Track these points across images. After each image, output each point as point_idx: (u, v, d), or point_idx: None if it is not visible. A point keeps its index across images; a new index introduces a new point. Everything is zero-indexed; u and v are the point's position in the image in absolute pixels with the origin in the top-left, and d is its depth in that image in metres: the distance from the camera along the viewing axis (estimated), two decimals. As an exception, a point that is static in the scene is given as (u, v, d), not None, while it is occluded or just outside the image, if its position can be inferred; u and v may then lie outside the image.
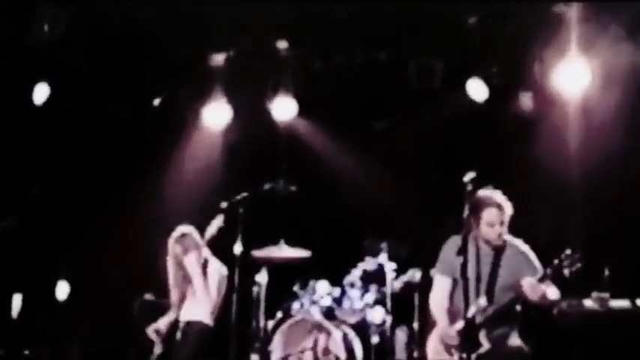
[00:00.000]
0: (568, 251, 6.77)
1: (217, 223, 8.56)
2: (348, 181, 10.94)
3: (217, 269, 8.64)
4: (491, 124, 10.21)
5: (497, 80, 10.12)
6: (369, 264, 10.02)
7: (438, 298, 7.31)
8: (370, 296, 9.89)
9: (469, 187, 6.96)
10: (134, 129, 11.78)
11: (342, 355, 9.42)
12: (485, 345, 6.91)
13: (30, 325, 11.39)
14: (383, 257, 9.92)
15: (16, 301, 11.42)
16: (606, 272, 8.66)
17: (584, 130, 9.83)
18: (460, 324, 6.95)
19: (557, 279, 6.89)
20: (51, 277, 11.74)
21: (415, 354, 9.44)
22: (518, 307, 7.13)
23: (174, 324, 8.49)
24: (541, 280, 6.85)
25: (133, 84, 11.25)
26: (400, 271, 9.86)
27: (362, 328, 9.78)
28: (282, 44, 10.41)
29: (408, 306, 9.65)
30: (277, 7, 9.47)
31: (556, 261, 6.78)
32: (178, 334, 8.42)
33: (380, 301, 9.85)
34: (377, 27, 9.83)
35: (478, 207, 7.10)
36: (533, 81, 10.03)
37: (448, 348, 7.09)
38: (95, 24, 10.07)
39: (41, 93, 10.74)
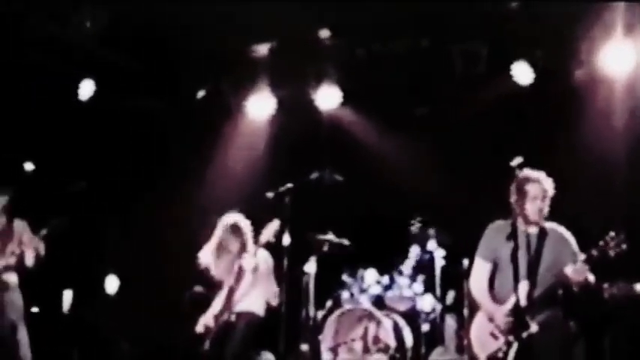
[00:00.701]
0: (612, 233, 6.72)
1: (274, 227, 8.53)
2: (394, 168, 10.90)
3: (265, 259, 8.65)
4: (537, 108, 10.13)
5: (542, 63, 10.03)
6: (417, 253, 10.00)
7: (479, 283, 7.27)
8: (419, 284, 9.87)
9: (516, 172, 6.92)
10: (179, 122, 11.83)
11: (392, 343, 9.40)
12: (533, 327, 6.86)
13: (80, 320, 11.48)
14: (431, 244, 9.90)
15: (67, 296, 11.52)
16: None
17: (631, 111, 9.73)
18: (506, 307, 6.93)
19: (601, 261, 6.82)
20: (100, 272, 11.83)
21: (465, 341, 9.40)
22: (561, 291, 7.03)
23: (223, 315, 8.52)
24: (586, 261, 6.79)
25: (176, 77, 11.30)
26: (448, 258, 9.83)
27: (412, 316, 9.76)
28: (325, 33, 10.40)
29: (458, 293, 9.62)
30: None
31: (601, 243, 6.72)
32: (228, 325, 8.45)
33: (429, 289, 9.83)
34: (419, 13, 9.79)
35: (522, 183, 7.05)
36: (579, 63, 9.94)
37: (493, 332, 7.06)
38: (136, 19, 10.10)
39: (87, 89, 10.82)
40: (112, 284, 11.88)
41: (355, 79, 10.90)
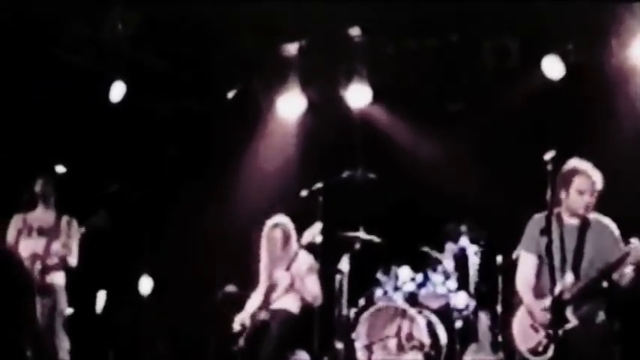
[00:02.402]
0: None
1: (316, 229, 8.56)
2: (426, 165, 10.87)
3: (306, 259, 8.70)
4: (568, 102, 10.07)
5: (573, 57, 9.98)
6: (450, 250, 9.98)
7: (524, 276, 7.20)
8: (453, 281, 9.84)
9: (549, 166, 6.88)
10: (210, 123, 11.87)
11: (426, 340, 9.37)
12: (573, 321, 6.82)
13: (114, 321, 11.52)
14: (464, 240, 9.87)
15: (100, 297, 11.56)
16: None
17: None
18: (547, 301, 6.87)
19: None
20: (134, 273, 11.87)
21: (499, 338, 9.37)
22: (605, 284, 6.97)
23: (260, 313, 8.57)
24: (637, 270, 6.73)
25: (206, 78, 11.33)
26: (482, 255, 9.80)
27: (445, 314, 9.73)
28: (355, 31, 10.39)
29: (491, 289, 9.58)
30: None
31: None
32: (263, 324, 8.49)
33: (462, 286, 9.80)
34: (449, 9, 9.76)
35: (569, 174, 7.01)
36: (610, 57, 9.88)
37: (534, 326, 7.03)
38: (167, 20, 10.14)
39: (118, 91, 10.86)
40: (146, 285, 11.90)
41: (386, 77, 10.87)
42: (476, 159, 10.61)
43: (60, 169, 9.65)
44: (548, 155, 6.89)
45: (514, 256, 8.12)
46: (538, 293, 7.07)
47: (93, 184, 10.71)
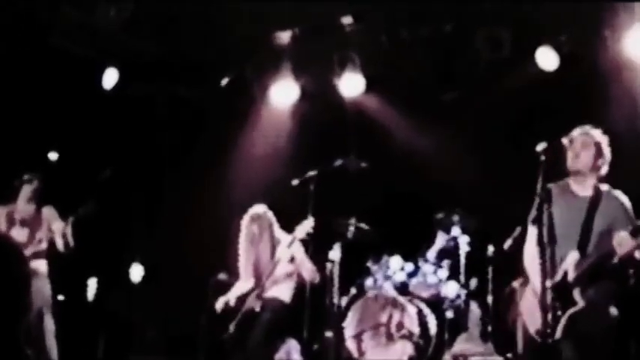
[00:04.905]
0: None
1: (309, 225, 8.56)
2: (418, 155, 10.87)
3: (299, 249, 8.72)
4: (561, 93, 10.07)
5: (567, 48, 9.97)
6: (442, 239, 9.97)
7: (530, 253, 6.97)
8: (443, 271, 9.84)
9: (542, 158, 6.86)
10: (203, 110, 11.86)
11: (416, 330, 9.37)
12: (580, 303, 6.65)
13: (106, 308, 11.53)
14: (456, 230, 9.87)
15: (92, 284, 11.56)
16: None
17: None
18: (555, 280, 6.62)
19: None
20: (125, 260, 11.87)
21: (489, 328, 9.38)
22: (612, 263, 6.67)
23: (250, 301, 8.59)
24: (634, 233, 6.51)
25: (199, 65, 11.31)
26: (473, 245, 9.80)
27: (436, 303, 9.72)
28: (347, 20, 10.37)
29: (483, 279, 9.59)
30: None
31: None
32: (254, 312, 8.52)
33: (453, 275, 9.80)
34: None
35: (571, 138, 6.95)
36: (604, 48, 9.87)
37: (542, 305, 6.83)
38: (160, 7, 10.12)
39: (111, 78, 10.84)
40: (137, 272, 11.91)
41: (379, 66, 10.88)
42: (468, 149, 10.60)
43: (53, 156, 9.69)
44: (540, 146, 6.86)
45: (505, 246, 8.13)
46: (545, 272, 6.91)
47: (84, 171, 10.71)
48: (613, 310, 6.84)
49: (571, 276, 6.73)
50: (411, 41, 10.63)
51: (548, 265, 6.61)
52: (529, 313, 6.97)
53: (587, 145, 6.99)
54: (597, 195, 6.93)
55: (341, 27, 10.48)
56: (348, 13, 10.32)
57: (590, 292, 6.70)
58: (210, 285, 9.51)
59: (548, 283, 6.59)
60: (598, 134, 7.05)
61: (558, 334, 6.59)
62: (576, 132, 7.06)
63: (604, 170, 7.08)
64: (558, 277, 6.69)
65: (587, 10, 9.56)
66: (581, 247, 6.80)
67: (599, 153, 7.04)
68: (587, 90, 9.95)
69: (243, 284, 8.94)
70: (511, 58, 10.23)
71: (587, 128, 7.08)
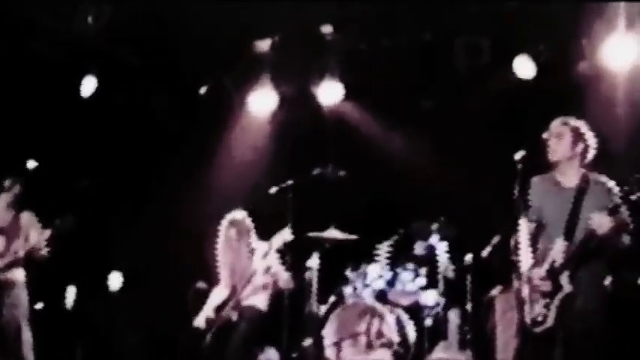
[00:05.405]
0: (637, 175, 6.55)
1: (285, 235, 8.54)
2: (397, 163, 10.89)
3: (276, 260, 8.71)
4: (539, 102, 10.10)
5: (544, 57, 10.01)
6: (421, 247, 9.99)
7: (524, 246, 6.99)
8: (422, 279, 9.85)
9: (519, 166, 6.90)
10: (182, 118, 11.83)
11: (396, 338, 9.32)
12: (567, 288, 6.73)
13: (84, 317, 11.49)
14: (434, 239, 9.88)
15: (70, 293, 11.52)
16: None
17: (633, 105, 9.69)
18: (543, 268, 6.83)
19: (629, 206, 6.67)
20: (104, 268, 11.84)
21: (468, 336, 9.39)
22: (595, 245, 6.78)
23: (227, 311, 8.57)
24: (611, 212, 6.61)
25: (178, 73, 11.31)
26: (451, 253, 9.82)
27: (415, 311, 9.73)
28: (327, 28, 10.38)
29: (461, 288, 9.60)
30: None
31: (625, 187, 6.59)
32: (231, 321, 8.50)
33: (432, 283, 9.81)
34: (421, 7, 9.79)
35: (551, 131, 7.10)
36: (581, 57, 9.92)
37: (532, 295, 6.87)
38: (139, 15, 10.10)
39: (89, 86, 10.81)
40: (115, 281, 11.88)
41: (358, 74, 10.89)
42: (447, 157, 10.61)
43: (31, 164, 9.65)
44: (518, 155, 6.92)
45: (484, 254, 8.16)
46: (535, 261, 6.96)
47: (64, 179, 10.68)
48: (602, 290, 6.98)
49: (558, 263, 6.81)
50: (390, 49, 10.65)
51: (538, 256, 6.92)
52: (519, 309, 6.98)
53: (561, 134, 7.09)
54: (583, 183, 6.99)
55: (320, 35, 10.49)
56: (327, 22, 10.34)
57: (578, 276, 6.76)
58: (189, 294, 9.50)
59: (538, 272, 6.70)
60: (574, 121, 7.11)
61: (550, 320, 6.74)
62: (553, 124, 7.11)
63: (589, 156, 7.15)
64: (547, 265, 6.82)
65: (565, 20, 9.60)
66: (568, 234, 6.85)
67: (576, 138, 7.10)
68: (564, 98, 9.98)
69: (221, 291, 8.91)
70: (490, 66, 10.27)
71: (563, 118, 7.14)
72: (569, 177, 7.07)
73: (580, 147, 7.08)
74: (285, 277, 8.68)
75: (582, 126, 7.14)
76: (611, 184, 6.94)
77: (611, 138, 9.44)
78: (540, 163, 7.15)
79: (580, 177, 7.03)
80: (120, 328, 11.72)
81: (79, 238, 10.28)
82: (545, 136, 7.10)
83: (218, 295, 8.91)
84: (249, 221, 8.91)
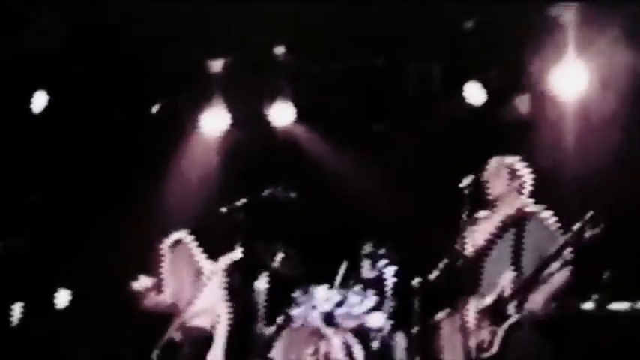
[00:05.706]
0: (591, 213, 6.81)
1: (235, 256, 8.54)
2: (347, 185, 10.92)
3: (222, 281, 8.70)
4: (488, 128, 10.19)
5: (494, 83, 10.11)
6: (368, 270, 10.01)
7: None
8: (369, 301, 9.88)
9: (467, 192, 6.99)
10: (133, 136, 11.78)
11: (343, 360, 9.40)
12: (513, 317, 6.96)
13: (29, 333, 11.38)
14: (382, 262, 9.92)
15: (16, 309, 11.41)
16: (606, 275, 8.64)
17: (582, 132, 9.81)
18: (490, 298, 7.07)
19: (578, 244, 6.88)
20: (51, 285, 11.74)
21: (415, 359, 9.41)
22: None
23: (171, 332, 8.54)
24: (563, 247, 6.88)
25: (131, 91, 11.27)
26: (399, 276, 9.86)
27: (362, 334, 9.75)
28: (279, 50, 10.43)
29: (408, 311, 9.63)
30: (274, 13, 9.50)
31: (578, 224, 6.80)
32: (175, 342, 8.47)
33: (379, 306, 9.84)
34: (374, 32, 9.86)
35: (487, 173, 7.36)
36: (531, 84, 10.02)
37: (478, 323, 7.11)
38: (92, 31, 10.09)
39: (39, 101, 10.75)
40: (63, 297, 11.78)
41: (310, 96, 10.93)
42: (397, 181, 10.67)
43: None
44: (466, 181, 7.01)
45: (431, 277, 8.21)
46: (481, 290, 7.23)
47: (11, 196, 10.60)
48: (547, 318, 7.10)
49: (507, 293, 7.01)
50: (342, 72, 10.71)
51: (486, 285, 7.20)
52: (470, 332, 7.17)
53: (496, 173, 7.29)
54: (523, 217, 7.25)
55: (273, 57, 10.53)
56: (280, 44, 10.38)
57: (524, 305, 6.99)
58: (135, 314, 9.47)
59: (486, 301, 6.85)
60: (508, 159, 7.30)
61: (495, 348, 6.98)
62: (489, 164, 7.30)
63: (527, 189, 7.42)
64: (494, 295, 7.07)
65: (515, 47, 9.70)
66: (514, 266, 7.10)
67: (512, 176, 7.41)
68: (513, 125, 10.10)
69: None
70: (440, 92, 10.36)
71: (498, 158, 7.32)
72: (509, 212, 7.26)
73: (516, 183, 7.29)
74: (227, 303, 8.67)
75: (516, 162, 7.46)
76: (551, 220, 7.23)
77: (559, 167, 9.62)
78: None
79: (518, 211, 7.29)
80: (68, 346, 11.62)
81: (26, 254, 10.23)
82: (483, 176, 7.25)
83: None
84: (189, 240, 8.88)
